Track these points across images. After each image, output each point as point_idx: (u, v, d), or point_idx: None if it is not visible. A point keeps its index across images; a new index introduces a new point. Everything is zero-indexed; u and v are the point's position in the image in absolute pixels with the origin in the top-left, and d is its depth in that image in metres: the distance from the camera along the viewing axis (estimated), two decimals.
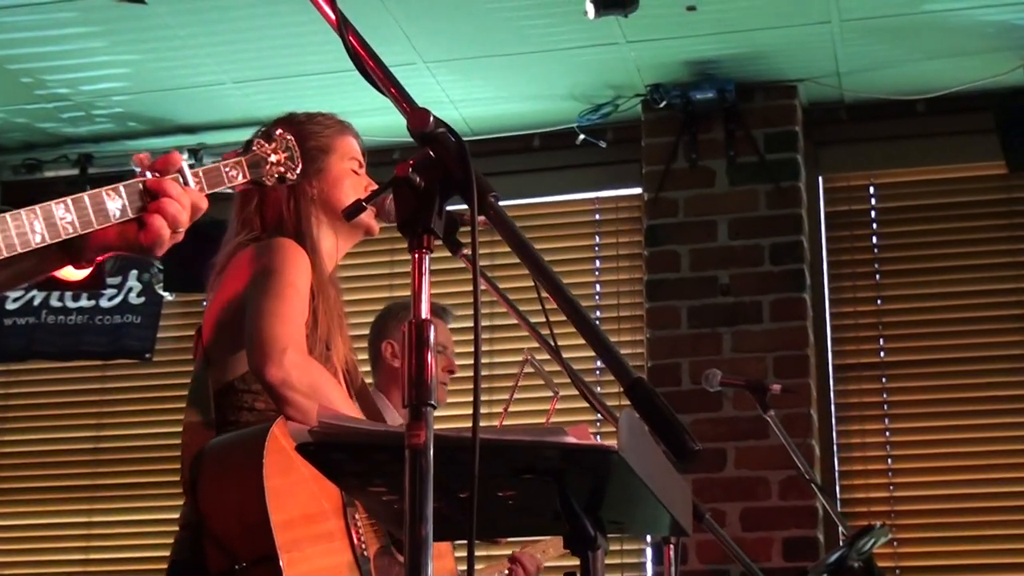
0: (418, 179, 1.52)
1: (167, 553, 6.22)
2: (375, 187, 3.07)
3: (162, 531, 5.97)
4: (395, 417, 3.74)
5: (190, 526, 2.67)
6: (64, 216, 1.58)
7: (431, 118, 1.54)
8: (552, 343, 2.74)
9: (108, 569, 6.00)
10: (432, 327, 1.53)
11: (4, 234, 1.52)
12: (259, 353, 2.57)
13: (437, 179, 1.53)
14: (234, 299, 2.74)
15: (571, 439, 1.79)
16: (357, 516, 2.67)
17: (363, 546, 2.65)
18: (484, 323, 5.61)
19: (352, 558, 2.61)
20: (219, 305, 2.80)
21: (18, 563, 6.07)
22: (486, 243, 4.70)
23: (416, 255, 1.53)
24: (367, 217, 3.01)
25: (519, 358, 4.11)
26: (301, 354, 2.61)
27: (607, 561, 5.72)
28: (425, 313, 1.53)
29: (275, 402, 2.58)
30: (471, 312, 5.89)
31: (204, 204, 1.73)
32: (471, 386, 5.56)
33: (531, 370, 3.32)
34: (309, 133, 3.04)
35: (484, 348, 5.65)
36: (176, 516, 6.15)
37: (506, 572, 4.13)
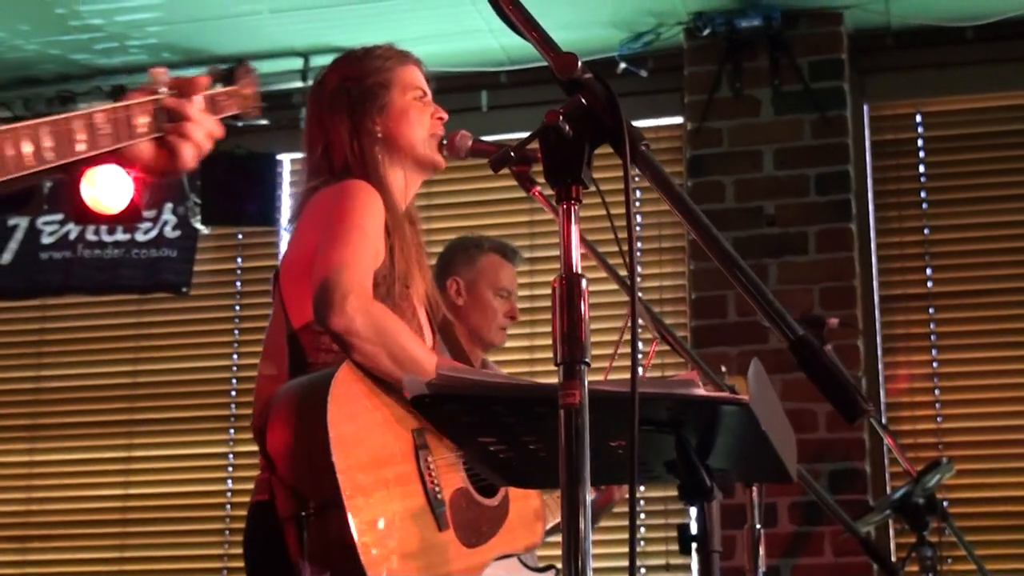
0: (567, 128, 1.46)
1: (206, 488, 6.22)
2: (443, 115, 3.02)
3: (201, 465, 5.97)
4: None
5: (265, 469, 2.66)
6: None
7: (578, 63, 1.48)
8: (630, 285, 2.68)
9: (148, 504, 5.99)
10: (583, 281, 1.47)
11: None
12: (321, 303, 2.55)
13: (587, 128, 1.46)
14: (307, 245, 2.72)
15: (701, 391, 1.75)
16: (430, 459, 2.64)
17: (437, 488, 2.62)
18: (526, 254, 5.54)
19: (425, 501, 2.59)
20: (293, 251, 2.80)
21: (58, 498, 6.06)
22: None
23: (565, 206, 1.47)
24: (433, 152, 2.96)
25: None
26: (364, 299, 2.56)
27: (648, 508, 5.65)
28: (577, 267, 1.47)
29: (342, 349, 2.56)
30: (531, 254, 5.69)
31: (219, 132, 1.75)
32: (522, 330, 5.42)
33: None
34: (368, 70, 2.98)
35: (525, 280, 5.60)
36: (215, 451, 6.16)
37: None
